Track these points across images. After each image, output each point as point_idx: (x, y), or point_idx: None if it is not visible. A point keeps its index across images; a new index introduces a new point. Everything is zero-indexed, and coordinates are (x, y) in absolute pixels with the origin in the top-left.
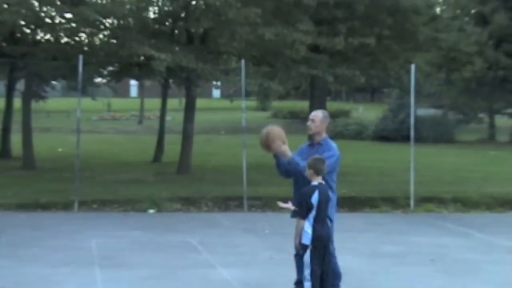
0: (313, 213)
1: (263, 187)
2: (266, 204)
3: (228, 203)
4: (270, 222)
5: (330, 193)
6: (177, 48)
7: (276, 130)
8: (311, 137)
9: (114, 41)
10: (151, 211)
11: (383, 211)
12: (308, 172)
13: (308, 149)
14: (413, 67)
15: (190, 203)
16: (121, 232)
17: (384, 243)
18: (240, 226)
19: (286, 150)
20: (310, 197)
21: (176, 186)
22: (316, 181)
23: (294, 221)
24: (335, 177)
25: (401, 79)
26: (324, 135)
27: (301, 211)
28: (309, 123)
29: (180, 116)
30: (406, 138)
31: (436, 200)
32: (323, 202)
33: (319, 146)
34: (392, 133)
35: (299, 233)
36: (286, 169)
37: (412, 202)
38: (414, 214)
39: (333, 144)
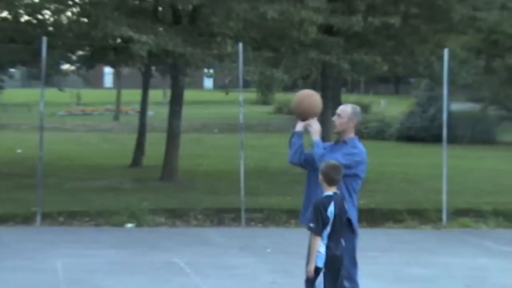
0: (327, 230)
1: (264, 197)
2: (267, 217)
3: (222, 216)
4: (272, 239)
5: (350, 205)
6: (161, 29)
7: (319, 100)
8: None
9: (85, 20)
10: (129, 225)
11: (410, 227)
12: (319, 178)
13: (330, 148)
14: (446, 52)
15: (176, 216)
16: (92, 250)
17: (410, 265)
18: (237, 244)
19: (318, 128)
20: (326, 209)
21: (160, 195)
22: (330, 191)
23: (307, 237)
24: (358, 186)
25: (432, 66)
26: (352, 135)
27: (316, 227)
28: (334, 118)
29: (164, 111)
30: (438, 138)
31: (473, 214)
32: (339, 216)
33: (343, 144)
34: (420, 132)
35: (313, 253)
36: (303, 154)
37: (444, 216)
38: (447, 230)
39: (361, 146)
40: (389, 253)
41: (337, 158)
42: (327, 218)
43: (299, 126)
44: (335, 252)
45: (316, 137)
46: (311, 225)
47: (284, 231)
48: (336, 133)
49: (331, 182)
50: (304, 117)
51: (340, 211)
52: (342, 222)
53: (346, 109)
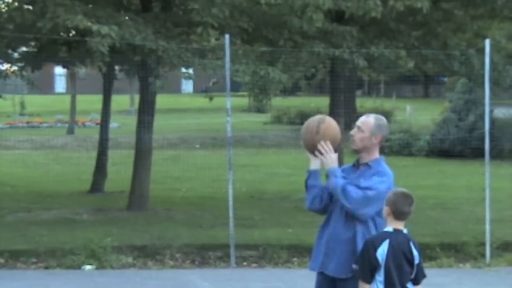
0: (381, 276)
1: (259, 230)
2: (263, 255)
3: (206, 254)
4: (270, 283)
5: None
6: (126, 18)
7: (334, 125)
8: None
9: (30, 7)
10: (88, 267)
11: (444, 265)
12: (384, 211)
13: (349, 171)
14: (487, 44)
15: (148, 255)
16: None
17: None
18: None
19: (335, 159)
20: (375, 249)
21: (127, 229)
22: (392, 226)
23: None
24: (379, 220)
25: (470, 62)
26: (377, 155)
27: (360, 270)
28: (353, 131)
29: (132, 122)
30: (478, 153)
31: None
32: (397, 259)
33: (366, 168)
34: (456, 145)
35: None
36: (324, 198)
37: (488, 251)
38: (491, 269)
39: (388, 170)
40: None
41: (360, 184)
42: (376, 261)
43: (314, 163)
44: None
45: (331, 165)
46: (354, 266)
47: (284, 272)
48: (355, 151)
49: (399, 216)
50: (325, 154)
51: (398, 255)
52: (403, 270)
53: (368, 121)
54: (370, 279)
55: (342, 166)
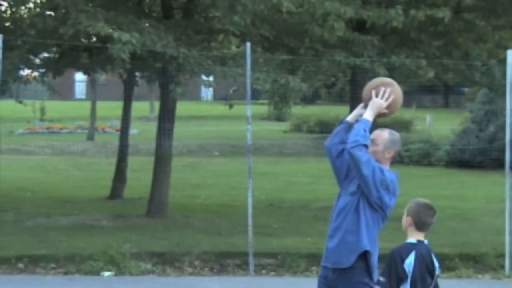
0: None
1: (278, 238)
2: (282, 263)
3: (225, 262)
4: None
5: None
6: (147, 25)
7: (400, 93)
8: None
9: (51, 13)
10: (107, 273)
11: (463, 276)
12: (403, 220)
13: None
14: (509, 54)
15: (166, 261)
16: None
17: None
18: None
19: (379, 107)
20: (403, 261)
21: (146, 235)
22: (414, 237)
23: None
24: (382, 222)
25: (491, 72)
26: (387, 167)
27: (389, 282)
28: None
29: (151, 129)
30: (498, 164)
31: None
32: (422, 271)
33: None
34: (476, 156)
35: None
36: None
37: (507, 263)
38: (511, 280)
39: (392, 174)
40: None
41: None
42: (404, 272)
43: (351, 115)
44: None
45: (368, 115)
46: (381, 278)
47: (303, 281)
48: None
49: (421, 227)
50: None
51: (423, 267)
52: (426, 281)
53: (382, 135)
54: None
55: None
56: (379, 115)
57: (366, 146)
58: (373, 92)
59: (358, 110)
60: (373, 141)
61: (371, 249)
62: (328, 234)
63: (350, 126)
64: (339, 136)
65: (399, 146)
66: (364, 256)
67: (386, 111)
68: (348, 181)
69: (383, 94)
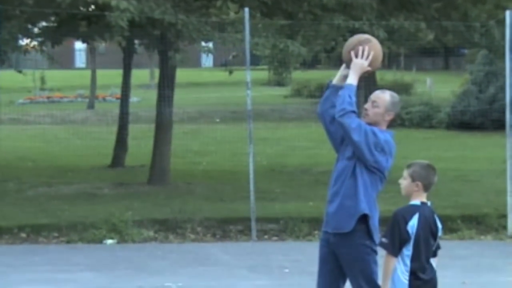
0: (409, 250)
1: (280, 203)
2: (284, 228)
3: (227, 227)
4: (291, 256)
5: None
6: None
7: (378, 46)
8: None
9: None
10: (110, 241)
11: (465, 237)
12: (406, 185)
13: None
14: (508, 15)
15: (169, 228)
16: (64, 274)
17: (467, 286)
18: (246, 263)
19: (362, 68)
20: (406, 222)
21: (148, 203)
22: (418, 199)
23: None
24: (380, 184)
25: (490, 33)
26: (384, 129)
27: (390, 243)
28: (367, 105)
29: (152, 97)
30: (499, 125)
31: None
32: (426, 232)
33: None
34: (476, 118)
35: (386, 277)
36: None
37: (509, 223)
38: None
39: (393, 142)
40: (440, 271)
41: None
42: (407, 234)
43: (336, 78)
44: (422, 276)
45: (351, 79)
46: (383, 239)
47: (305, 245)
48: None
49: (428, 188)
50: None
51: (426, 228)
52: (429, 243)
53: (383, 97)
54: (398, 252)
55: None
56: (363, 74)
57: (354, 111)
58: (352, 53)
59: (341, 71)
60: (373, 102)
61: (370, 212)
62: (327, 199)
63: (338, 89)
64: (329, 101)
65: (399, 108)
66: (364, 219)
67: (369, 68)
68: (344, 146)
69: (362, 53)
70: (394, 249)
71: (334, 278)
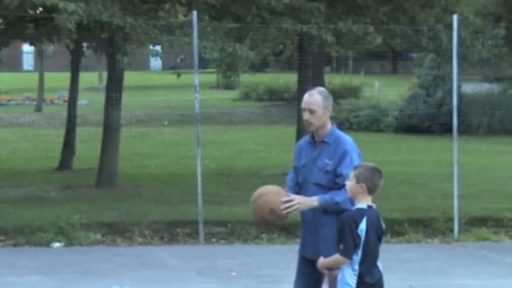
0: (357, 255)
1: (228, 206)
2: (232, 231)
3: (174, 231)
4: (239, 259)
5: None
6: None
7: (272, 190)
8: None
9: None
10: (57, 244)
11: (413, 241)
12: (351, 186)
13: (308, 149)
14: (455, 19)
15: (116, 232)
16: (10, 277)
17: None
18: (194, 266)
19: (307, 200)
20: (357, 226)
21: (95, 206)
22: (364, 202)
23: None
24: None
25: (438, 38)
26: (330, 125)
27: (348, 248)
28: (306, 116)
29: (100, 99)
30: (446, 129)
31: (492, 223)
32: (374, 236)
33: (325, 146)
34: (424, 121)
35: (332, 282)
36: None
37: (456, 226)
38: (460, 244)
39: (347, 139)
40: (387, 274)
41: (341, 172)
42: (358, 237)
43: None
44: (369, 280)
45: (313, 203)
46: (341, 246)
47: (253, 248)
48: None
49: (374, 190)
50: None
51: (373, 232)
52: (376, 246)
53: (315, 99)
54: (352, 255)
55: (299, 145)
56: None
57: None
58: (283, 206)
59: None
60: (311, 110)
61: None
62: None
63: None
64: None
65: (332, 99)
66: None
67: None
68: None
69: (289, 204)
70: (350, 253)
71: (312, 281)
